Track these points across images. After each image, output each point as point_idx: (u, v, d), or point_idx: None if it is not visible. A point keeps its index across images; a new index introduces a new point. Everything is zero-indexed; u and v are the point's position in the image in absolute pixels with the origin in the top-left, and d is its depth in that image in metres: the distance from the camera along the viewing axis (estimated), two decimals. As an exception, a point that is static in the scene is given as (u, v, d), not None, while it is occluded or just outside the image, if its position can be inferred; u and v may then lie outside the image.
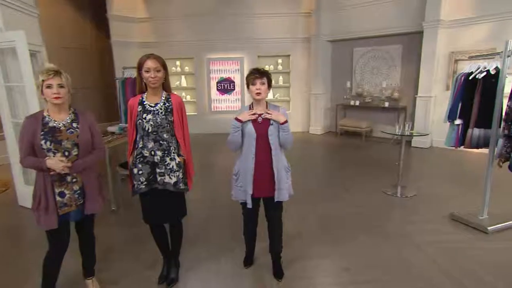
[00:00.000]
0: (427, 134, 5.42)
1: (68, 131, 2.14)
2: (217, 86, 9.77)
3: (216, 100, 9.88)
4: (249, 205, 2.53)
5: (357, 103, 8.72)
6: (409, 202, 4.32)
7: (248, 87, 2.46)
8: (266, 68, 9.35)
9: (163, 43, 9.34)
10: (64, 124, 2.14)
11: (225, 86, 9.76)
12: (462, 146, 3.84)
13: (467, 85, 3.73)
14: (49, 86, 2.06)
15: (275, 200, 2.54)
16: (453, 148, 4.01)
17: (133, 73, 5.24)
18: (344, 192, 4.72)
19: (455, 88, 3.84)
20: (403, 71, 8.12)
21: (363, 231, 3.54)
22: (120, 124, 4.95)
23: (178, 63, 9.76)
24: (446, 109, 3.93)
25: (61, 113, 2.17)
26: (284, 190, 2.53)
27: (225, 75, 9.71)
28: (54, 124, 2.12)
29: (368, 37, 8.39)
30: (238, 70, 9.57)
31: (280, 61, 9.68)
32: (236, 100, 9.84)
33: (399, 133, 4.51)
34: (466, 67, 3.84)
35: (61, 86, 2.09)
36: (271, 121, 2.44)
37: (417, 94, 7.52)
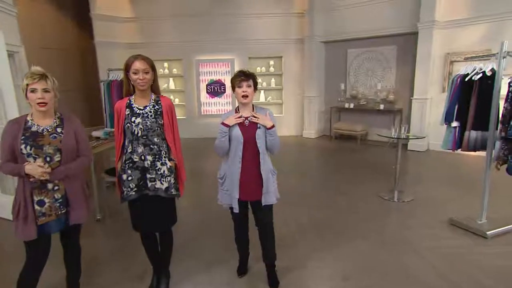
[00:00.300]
0: (424, 137, 5.37)
1: (51, 136, 2.04)
2: (207, 89, 9.60)
3: (206, 103, 9.71)
4: (236, 210, 2.48)
5: (352, 105, 8.62)
6: (406, 206, 4.25)
7: (233, 89, 2.44)
8: (258, 70, 9.28)
9: (150, 44, 9.08)
10: (47, 129, 2.05)
11: (215, 89, 9.61)
12: (459, 149, 3.78)
13: (463, 87, 3.68)
14: (33, 91, 1.97)
15: (263, 204, 2.49)
16: (450, 151, 3.95)
17: (119, 75, 5.07)
18: (340, 196, 4.64)
19: (451, 90, 3.79)
20: (398, 73, 8.06)
21: (359, 236, 3.47)
22: (106, 129, 4.80)
23: (166, 64, 9.58)
24: (443, 111, 3.88)
25: (46, 118, 2.08)
26: (271, 193, 2.50)
27: (215, 78, 9.57)
28: (37, 129, 2.03)
29: (362, 38, 8.31)
30: (229, 72, 9.39)
31: (272, 62, 9.56)
32: (226, 103, 9.69)
33: (395, 136, 4.44)
34: (462, 68, 3.81)
35: (46, 90, 1.99)
36: (259, 124, 2.40)
37: (412, 96, 7.46)
